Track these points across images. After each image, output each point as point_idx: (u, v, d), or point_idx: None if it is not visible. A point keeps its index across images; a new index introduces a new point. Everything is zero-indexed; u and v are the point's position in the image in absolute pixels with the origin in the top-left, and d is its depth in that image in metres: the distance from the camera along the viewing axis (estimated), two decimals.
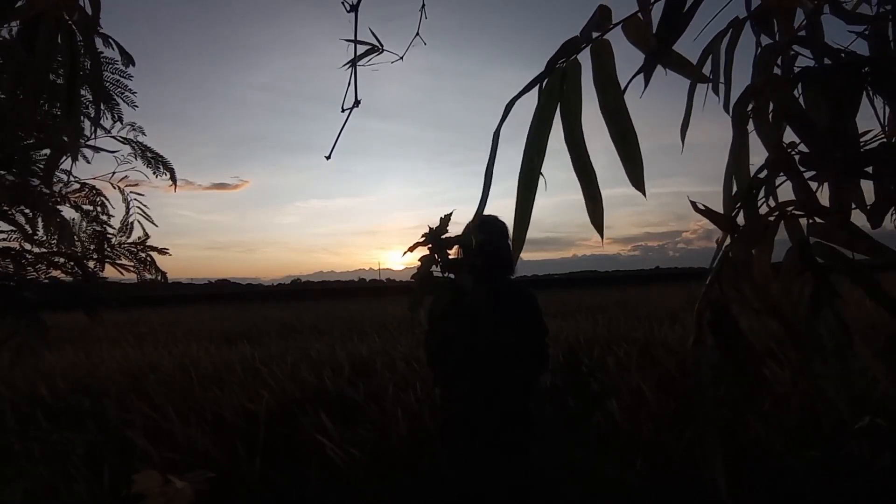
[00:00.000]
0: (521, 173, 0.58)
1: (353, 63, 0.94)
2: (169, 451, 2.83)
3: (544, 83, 0.59)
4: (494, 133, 0.60)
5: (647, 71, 0.59)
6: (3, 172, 1.83)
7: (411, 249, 1.80)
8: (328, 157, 0.96)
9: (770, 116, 0.68)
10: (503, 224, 1.88)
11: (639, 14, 0.59)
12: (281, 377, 4.25)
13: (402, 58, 1.02)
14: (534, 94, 0.60)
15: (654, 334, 5.84)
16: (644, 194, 0.56)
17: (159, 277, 2.31)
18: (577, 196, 0.64)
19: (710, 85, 0.76)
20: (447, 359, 1.80)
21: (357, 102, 0.95)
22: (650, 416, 2.99)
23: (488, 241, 1.82)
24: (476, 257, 1.78)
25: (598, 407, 3.14)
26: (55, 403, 3.97)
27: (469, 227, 1.80)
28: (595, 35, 0.58)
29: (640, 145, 0.57)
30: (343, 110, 0.95)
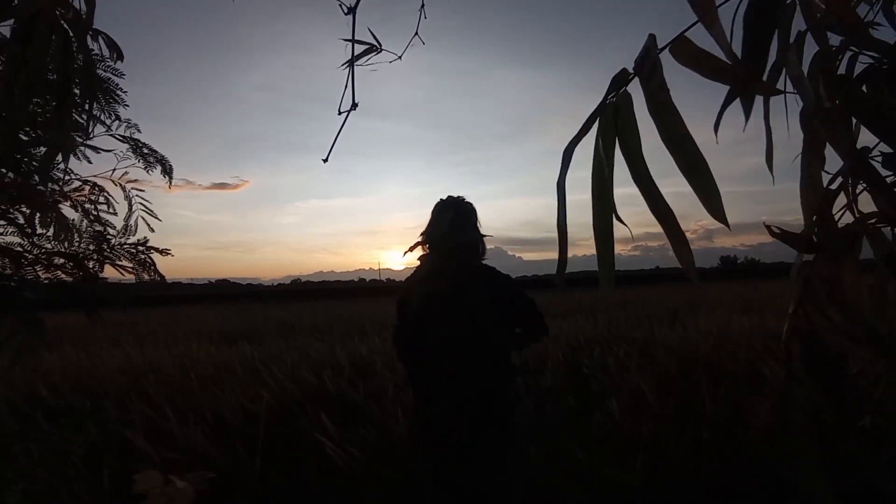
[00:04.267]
0: (594, 224, 0.56)
1: (351, 65, 0.94)
2: (169, 451, 2.83)
3: (597, 122, 0.56)
4: (559, 183, 0.57)
5: (744, 103, 0.55)
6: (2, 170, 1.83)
7: (412, 249, 1.78)
8: (325, 161, 0.96)
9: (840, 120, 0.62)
10: (470, 204, 1.79)
11: (686, 34, 0.56)
12: (281, 377, 4.25)
13: (400, 57, 1.01)
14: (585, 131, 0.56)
15: (654, 334, 5.84)
16: (728, 226, 0.53)
17: (157, 279, 2.31)
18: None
19: (804, 102, 0.68)
20: (420, 348, 1.70)
21: (354, 105, 0.94)
22: (650, 416, 2.99)
23: (458, 219, 1.73)
24: (449, 236, 1.71)
25: (598, 407, 3.14)
26: (55, 403, 3.97)
27: (437, 210, 1.74)
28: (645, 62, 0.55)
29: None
30: (340, 113, 0.95)
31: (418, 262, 1.78)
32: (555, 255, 0.57)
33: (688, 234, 0.54)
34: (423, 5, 1.05)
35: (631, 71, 0.57)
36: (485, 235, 1.77)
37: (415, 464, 2.62)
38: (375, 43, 0.95)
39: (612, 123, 0.55)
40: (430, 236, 1.75)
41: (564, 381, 3.69)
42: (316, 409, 3.20)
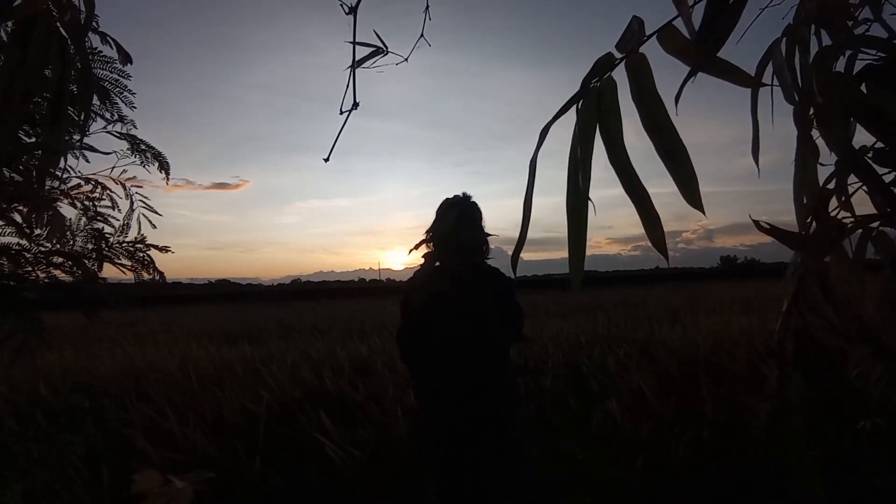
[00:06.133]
0: (568, 201, 0.55)
1: (353, 66, 0.93)
2: (169, 451, 2.83)
3: (580, 104, 0.56)
4: (531, 161, 0.57)
5: (685, 82, 0.55)
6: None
7: (417, 247, 1.78)
8: (326, 160, 0.96)
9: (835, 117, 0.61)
10: (475, 203, 1.79)
11: (673, 23, 0.55)
12: (281, 377, 4.25)
13: (406, 59, 1.01)
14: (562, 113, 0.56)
15: (654, 334, 5.83)
16: (703, 212, 0.53)
17: (157, 277, 2.30)
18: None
19: (783, 94, 0.67)
20: (423, 348, 1.69)
21: (355, 105, 0.94)
22: (650, 416, 2.99)
23: (463, 218, 1.73)
24: (454, 235, 1.71)
25: (598, 407, 3.14)
26: (55, 403, 3.97)
27: (442, 208, 1.75)
28: (630, 49, 0.54)
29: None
30: (341, 112, 0.95)
31: (422, 261, 1.78)
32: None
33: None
34: (427, 7, 1.05)
35: (616, 56, 0.56)
36: (489, 235, 1.78)
37: (415, 464, 2.63)
38: (380, 45, 0.95)
39: (594, 108, 0.55)
40: (435, 235, 1.76)
41: (564, 381, 3.69)
42: (316, 409, 3.20)
